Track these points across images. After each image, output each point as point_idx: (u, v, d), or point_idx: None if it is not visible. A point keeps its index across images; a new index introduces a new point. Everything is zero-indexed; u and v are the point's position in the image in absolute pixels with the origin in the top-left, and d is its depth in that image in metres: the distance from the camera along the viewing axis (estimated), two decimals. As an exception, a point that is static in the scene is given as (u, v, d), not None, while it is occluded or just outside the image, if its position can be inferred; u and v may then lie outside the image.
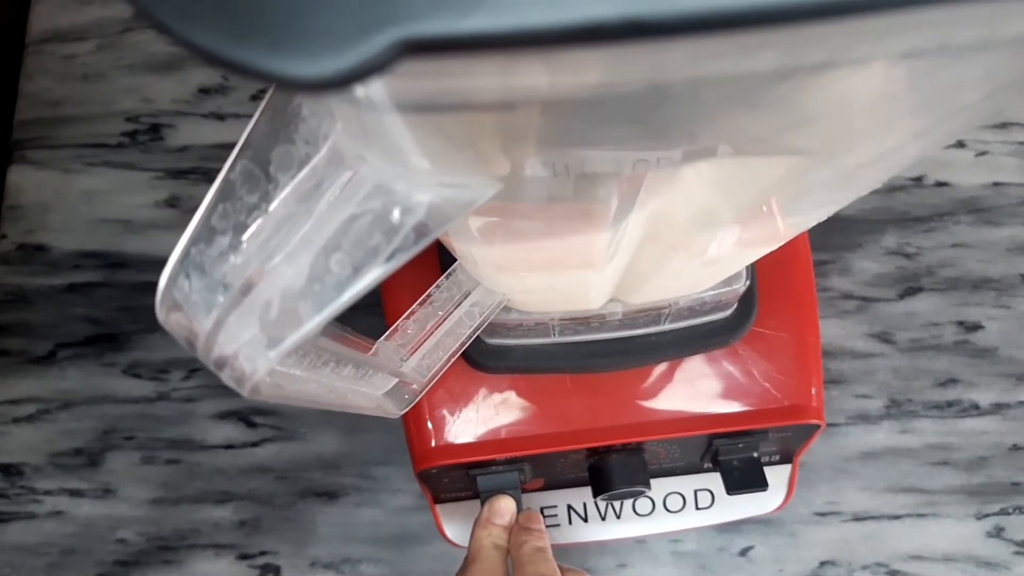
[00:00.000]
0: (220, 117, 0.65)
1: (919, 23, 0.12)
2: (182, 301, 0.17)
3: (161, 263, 0.17)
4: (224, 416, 0.59)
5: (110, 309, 0.61)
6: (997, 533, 0.56)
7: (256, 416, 0.59)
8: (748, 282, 0.39)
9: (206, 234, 0.17)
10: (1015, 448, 0.58)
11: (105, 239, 0.62)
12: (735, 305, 0.42)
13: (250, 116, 0.18)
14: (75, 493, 0.58)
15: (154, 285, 0.18)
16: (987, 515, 0.56)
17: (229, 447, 0.58)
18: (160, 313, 0.18)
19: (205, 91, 0.65)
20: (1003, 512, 0.56)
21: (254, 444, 0.58)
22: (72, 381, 0.60)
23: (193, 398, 0.59)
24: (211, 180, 0.17)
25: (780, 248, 0.31)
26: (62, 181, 0.64)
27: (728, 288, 0.38)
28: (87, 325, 0.61)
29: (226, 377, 0.18)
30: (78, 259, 0.62)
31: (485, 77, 0.14)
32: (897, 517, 0.57)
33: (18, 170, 0.64)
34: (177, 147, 0.64)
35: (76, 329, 0.61)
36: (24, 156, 0.64)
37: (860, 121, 0.19)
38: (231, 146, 0.18)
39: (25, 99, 0.65)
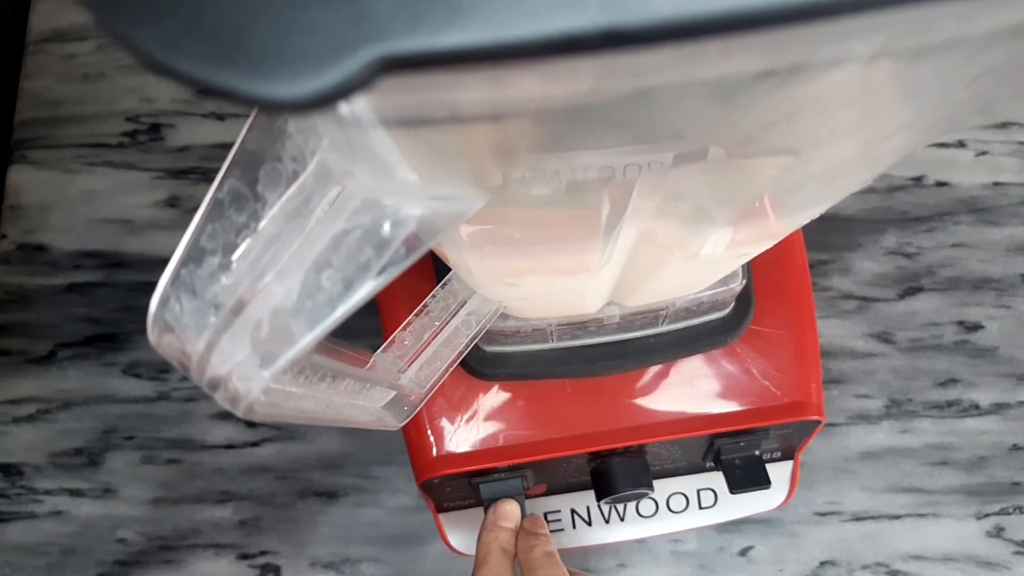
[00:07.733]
0: (220, 117, 0.65)
1: (905, 21, 0.12)
2: (173, 323, 0.17)
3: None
4: (224, 416, 0.59)
5: (110, 309, 0.61)
6: (997, 533, 0.56)
7: (256, 416, 0.59)
8: (744, 280, 0.39)
9: (196, 255, 0.17)
10: (1015, 448, 0.57)
11: (105, 239, 0.62)
12: (732, 304, 0.42)
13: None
14: (75, 493, 0.58)
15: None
16: (987, 515, 0.56)
17: (229, 447, 0.58)
18: (152, 335, 0.18)
19: (204, 91, 0.65)
20: (1003, 512, 0.56)
21: (254, 444, 0.59)
22: (72, 381, 0.60)
23: (193, 398, 0.59)
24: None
25: (775, 244, 0.31)
26: (62, 181, 0.64)
27: (725, 287, 0.38)
28: (87, 325, 0.61)
29: (220, 398, 0.18)
30: (78, 259, 0.62)
31: (467, 90, 0.14)
32: (897, 517, 0.56)
33: (18, 170, 0.64)
34: (177, 147, 0.64)
35: (76, 329, 0.61)
36: (24, 156, 0.64)
37: (842, 115, 0.19)
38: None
39: (25, 99, 0.65)
